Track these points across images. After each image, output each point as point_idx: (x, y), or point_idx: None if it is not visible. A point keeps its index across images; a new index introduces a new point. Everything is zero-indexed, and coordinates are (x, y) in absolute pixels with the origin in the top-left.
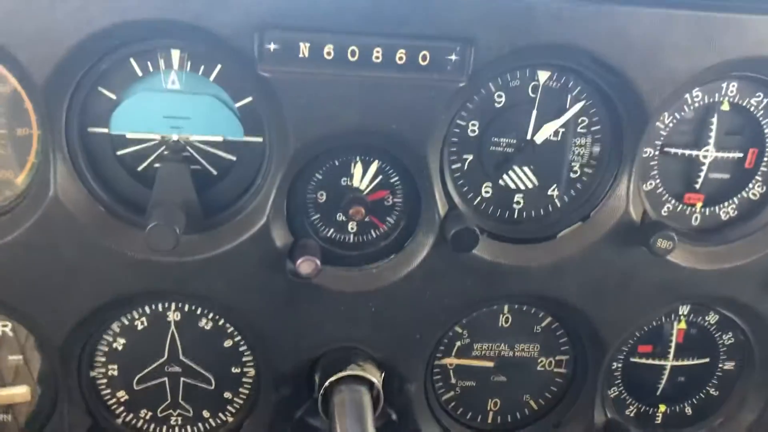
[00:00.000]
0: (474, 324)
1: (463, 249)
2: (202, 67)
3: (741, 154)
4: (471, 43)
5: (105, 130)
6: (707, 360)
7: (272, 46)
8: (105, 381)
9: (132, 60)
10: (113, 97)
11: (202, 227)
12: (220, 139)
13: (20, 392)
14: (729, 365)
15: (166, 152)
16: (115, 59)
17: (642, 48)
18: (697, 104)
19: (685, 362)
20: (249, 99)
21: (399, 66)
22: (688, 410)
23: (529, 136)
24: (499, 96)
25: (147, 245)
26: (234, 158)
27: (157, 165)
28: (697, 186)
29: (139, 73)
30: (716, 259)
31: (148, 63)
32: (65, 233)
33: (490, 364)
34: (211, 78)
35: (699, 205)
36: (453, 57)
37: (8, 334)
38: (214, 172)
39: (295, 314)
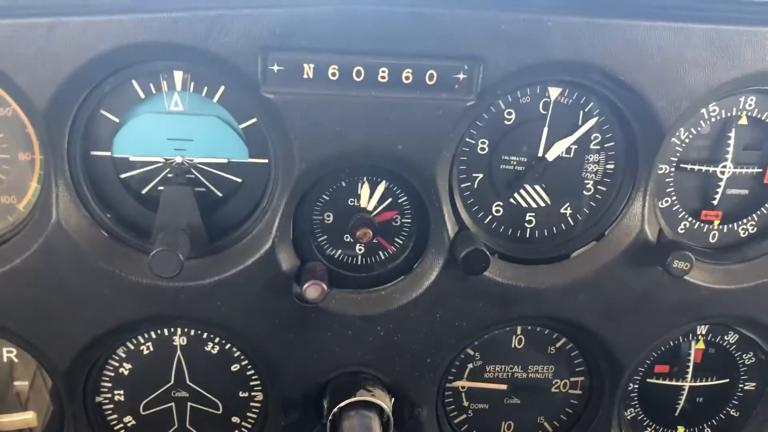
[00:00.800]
0: (486, 346)
1: (475, 271)
2: (206, 89)
3: (760, 170)
4: (479, 61)
5: (108, 154)
6: (727, 380)
7: (276, 68)
8: (111, 406)
9: (134, 82)
10: (116, 119)
11: (207, 251)
12: (225, 160)
13: (27, 418)
14: (750, 386)
15: (170, 175)
16: (117, 82)
17: (657, 63)
18: (714, 119)
19: (704, 383)
20: (253, 120)
21: (405, 85)
22: None
23: (540, 154)
24: (509, 113)
25: (151, 271)
26: (240, 180)
27: (161, 188)
28: (715, 202)
29: (142, 95)
30: (735, 277)
31: (151, 85)
32: (68, 259)
33: (504, 386)
34: (215, 99)
35: (716, 222)
36: (461, 76)
37: (14, 360)
38: (220, 194)
39: (302, 338)
